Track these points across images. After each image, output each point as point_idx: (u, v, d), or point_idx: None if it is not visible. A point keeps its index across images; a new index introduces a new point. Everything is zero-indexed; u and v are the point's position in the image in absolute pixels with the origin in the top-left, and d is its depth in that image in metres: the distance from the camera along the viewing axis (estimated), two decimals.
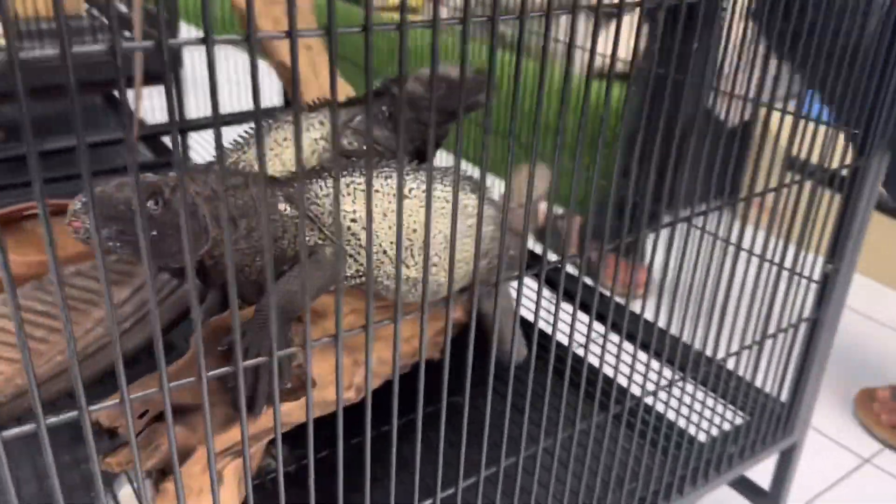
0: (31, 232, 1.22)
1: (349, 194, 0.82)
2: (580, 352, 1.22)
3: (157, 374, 0.68)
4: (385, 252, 0.82)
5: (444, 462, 0.63)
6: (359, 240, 0.81)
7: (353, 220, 0.81)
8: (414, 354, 0.87)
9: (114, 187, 0.65)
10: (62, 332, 0.90)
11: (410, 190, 0.85)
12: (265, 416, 0.71)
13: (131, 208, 0.64)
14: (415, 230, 0.84)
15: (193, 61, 2.26)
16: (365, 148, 1.00)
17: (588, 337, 0.73)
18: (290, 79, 1.47)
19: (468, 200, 0.89)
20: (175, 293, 1.01)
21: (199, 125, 1.94)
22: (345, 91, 1.39)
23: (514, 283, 0.64)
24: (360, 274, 0.82)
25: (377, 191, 0.83)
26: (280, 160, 0.96)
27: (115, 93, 2.18)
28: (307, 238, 0.79)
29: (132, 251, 0.65)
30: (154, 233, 0.66)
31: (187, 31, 2.96)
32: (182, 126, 1.90)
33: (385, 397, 0.58)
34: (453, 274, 0.57)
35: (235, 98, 2.23)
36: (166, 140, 1.92)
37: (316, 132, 0.98)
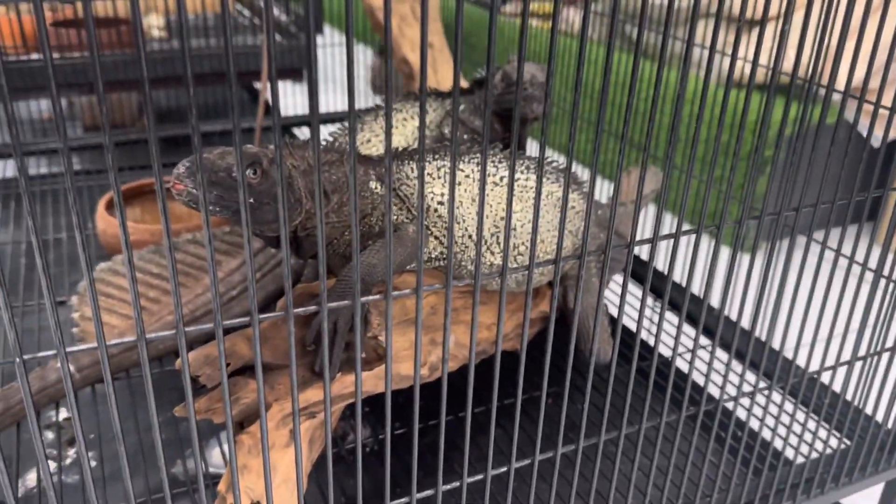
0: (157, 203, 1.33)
1: (439, 177, 0.84)
2: (665, 352, 1.20)
3: (245, 332, 0.73)
4: (471, 237, 0.84)
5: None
6: (445, 222, 0.83)
7: (441, 203, 0.83)
8: (491, 342, 0.88)
9: (216, 154, 0.69)
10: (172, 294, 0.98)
11: (502, 178, 0.86)
12: (339, 382, 0.74)
13: (231, 175, 0.68)
14: (502, 217, 0.84)
15: (325, 58, 2.37)
16: (465, 136, 1.02)
17: (677, 339, 0.71)
18: (410, 74, 1.51)
19: (560, 192, 0.89)
20: (278, 268, 1.06)
21: (332, 118, 2.02)
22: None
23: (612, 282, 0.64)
24: (445, 256, 0.84)
25: (467, 176, 0.85)
26: (382, 143, 1.00)
27: (256, 84, 2.31)
28: (394, 216, 0.81)
29: (231, 215, 0.69)
30: (251, 200, 0.70)
31: (330, 32, 3.10)
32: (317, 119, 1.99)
33: (462, 383, 0.59)
34: (533, 264, 0.57)
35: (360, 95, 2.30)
36: (296, 132, 2.02)
37: (418, 121, 1.01)
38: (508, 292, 0.92)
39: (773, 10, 2.08)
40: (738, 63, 1.75)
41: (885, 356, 0.84)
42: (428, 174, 0.84)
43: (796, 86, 0.61)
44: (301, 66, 2.00)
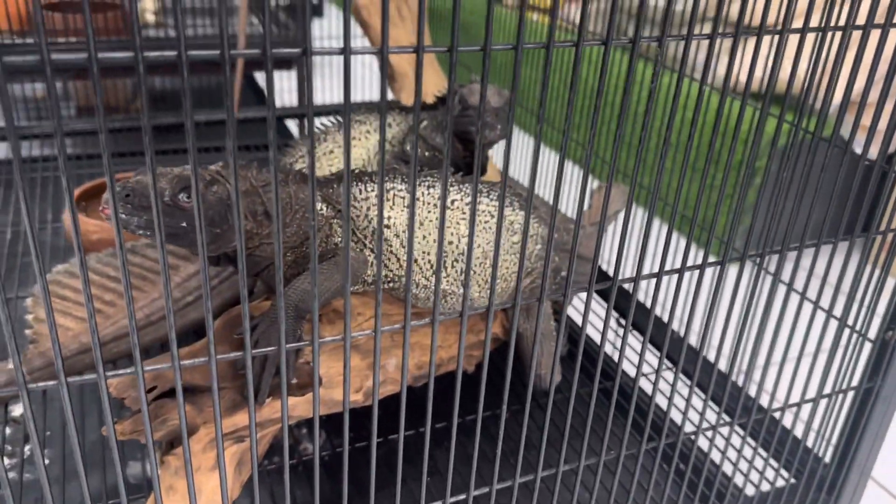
0: None
1: (388, 200, 0.83)
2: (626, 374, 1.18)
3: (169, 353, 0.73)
4: (416, 261, 0.83)
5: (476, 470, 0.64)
6: (390, 245, 0.82)
7: (387, 226, 0.82)
8: (438, 365, 0.88)
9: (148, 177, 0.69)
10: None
11: (452, 202, 0.85)
12: (268, 407, 0.74)
13: (163, 199, 0.68)
14: (450, 242, 0.84)
15: (322, 43, 2.35)
16: (427, 154, 1.01)
17: (639, 365, 0.70)
18: (391, 75, 1.49)
19: (514, 217, 0.88)
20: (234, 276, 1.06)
21: (326, 111, 2.01)
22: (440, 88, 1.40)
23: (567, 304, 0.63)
24: (389, 280, 0.83)
25: (417, 199, 0.84)
26: (341, 159, 0.99)
27: (254, 74, 2.30)
28: (338, 238, 0.81)
29: (167, 239, 0.69)
30: (183, 224, 0.70)
31: (328, 7, 3.07)
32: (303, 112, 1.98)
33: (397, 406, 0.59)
34: (464, 290, 0.57)
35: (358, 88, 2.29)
36: (288, 123, 2.01)
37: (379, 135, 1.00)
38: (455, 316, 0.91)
39: (771, 19, 2.04)
40: (734, 71, 1.73)
41: (840, 397, 0.83)
42: (376, 196, 0.83)
43: (791, 98, 0.59)
44: (291, 57, 1.99)
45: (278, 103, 2.14)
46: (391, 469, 0.58)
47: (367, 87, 2.85)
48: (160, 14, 2.15)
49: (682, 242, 1.77)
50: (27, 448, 1.04)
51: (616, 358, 1.22)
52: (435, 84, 1.49)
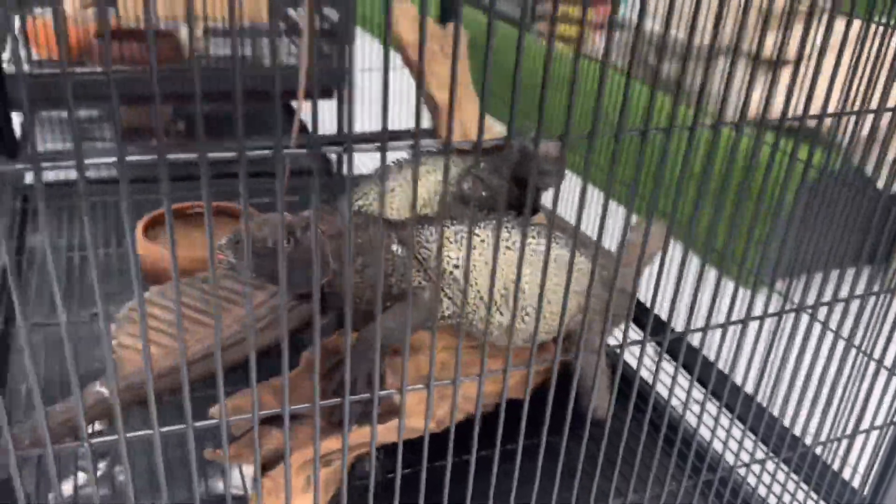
0: (197, 228, 1.40)
1: (455, 241, 0.90)
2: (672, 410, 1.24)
3: (271, 383, 0.80)
4: (482, 298, 0.90)
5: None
6: (459, 285, 0.89)
7: (456, 266, 0.89)
8: (498, 395, 0.94)
9: (255, 226, 0.76)
10: (204, 324, 1.05)
11: (514, 243, 0.92)
12: (354, 433, 0.80)
13: (266, 245, 0.75)
14: (512, 280, 0.91)
15: (363, 80, 2.43)
16: (483, 194, 1.08)
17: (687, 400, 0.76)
18: (435, 109, 1.57)
19: (567, 255, 0.95)
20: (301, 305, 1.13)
21: (364, 139, 2.08)
22: (490, 129, 1.47)
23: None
24: (456, 315, 0.90)
25: (482, 241, 0.91)
26: (405, 195, 1.06)
27: (292, 103, 2.37)
28: (413, 279, 0.88)
29: (267, 280, 0.77)
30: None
31: (361, 36, 3.15)
32: (345, 140, 2.06)
33: (468, 430, 0.66)
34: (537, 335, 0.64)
35: (395, 113, 2.36)
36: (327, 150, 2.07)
37: (440, 174, 1.07)
38: (515, 348, 0.98)
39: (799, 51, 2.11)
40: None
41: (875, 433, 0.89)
42: (445, 238, 0.90)
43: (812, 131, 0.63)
44: (332, 85, 2.07)
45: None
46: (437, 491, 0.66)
47: (405, 119, 2.92)
48: (207, 36, 2.22)
49: (718, 281, 1.83)
50: (102, 465, 1.11)
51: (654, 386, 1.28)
52: (474, 116, 1.56)
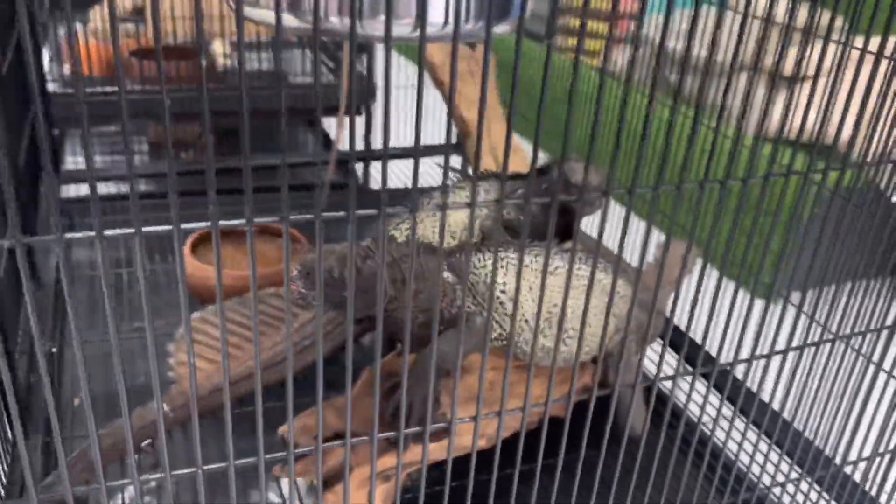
0: (244, 246, 1.44)
1: (502, 267, 0.95)
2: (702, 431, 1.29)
3: (333, 403, 0.85)
4: (526, 321, 0.95)
5: None
6: (505, 309, 0.94)
7: (503, 291, 0.94)
8: (541, 413, 0.99)
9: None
10: (253, 342, 1.10)
11: (556, 268, 0.97)
12: (409, 452, 0.85)
13: (332, 274, 0.81)
14: (556, 304, 0.96)
15: (398, 96, 2.49)
16: (521, 218, 1.13)
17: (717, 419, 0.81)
18: (465, 130, 1.62)
19: (607, 280, 1.00)
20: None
21: (394, 155, 2.13)
22: (519, 153, 1.52)
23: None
24: (503, 338, 0.95)
25: (527, 266, 0.96)
26: (448, 221, 1.11)
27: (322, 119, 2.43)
28: (460, 302, 0.93)
29: (332, 307, 0.83)
30: (346, 294, 0.82)
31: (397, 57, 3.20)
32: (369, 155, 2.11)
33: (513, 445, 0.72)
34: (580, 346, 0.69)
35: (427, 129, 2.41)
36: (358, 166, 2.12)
37: (480, 199, 1.12)
38: (557, 367, 1.03)
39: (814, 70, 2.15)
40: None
41: None
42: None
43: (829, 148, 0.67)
44: (360, 102, 2.12)
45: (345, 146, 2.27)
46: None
47: (436, 138, 2.97)
48: (231, 55, 2.28)
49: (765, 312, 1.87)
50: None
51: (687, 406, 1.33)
52: (501, 136, 1.61)
